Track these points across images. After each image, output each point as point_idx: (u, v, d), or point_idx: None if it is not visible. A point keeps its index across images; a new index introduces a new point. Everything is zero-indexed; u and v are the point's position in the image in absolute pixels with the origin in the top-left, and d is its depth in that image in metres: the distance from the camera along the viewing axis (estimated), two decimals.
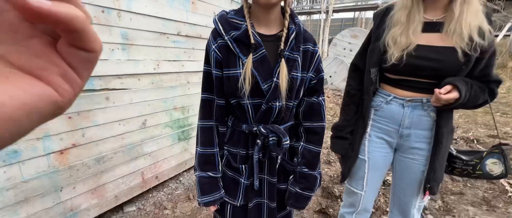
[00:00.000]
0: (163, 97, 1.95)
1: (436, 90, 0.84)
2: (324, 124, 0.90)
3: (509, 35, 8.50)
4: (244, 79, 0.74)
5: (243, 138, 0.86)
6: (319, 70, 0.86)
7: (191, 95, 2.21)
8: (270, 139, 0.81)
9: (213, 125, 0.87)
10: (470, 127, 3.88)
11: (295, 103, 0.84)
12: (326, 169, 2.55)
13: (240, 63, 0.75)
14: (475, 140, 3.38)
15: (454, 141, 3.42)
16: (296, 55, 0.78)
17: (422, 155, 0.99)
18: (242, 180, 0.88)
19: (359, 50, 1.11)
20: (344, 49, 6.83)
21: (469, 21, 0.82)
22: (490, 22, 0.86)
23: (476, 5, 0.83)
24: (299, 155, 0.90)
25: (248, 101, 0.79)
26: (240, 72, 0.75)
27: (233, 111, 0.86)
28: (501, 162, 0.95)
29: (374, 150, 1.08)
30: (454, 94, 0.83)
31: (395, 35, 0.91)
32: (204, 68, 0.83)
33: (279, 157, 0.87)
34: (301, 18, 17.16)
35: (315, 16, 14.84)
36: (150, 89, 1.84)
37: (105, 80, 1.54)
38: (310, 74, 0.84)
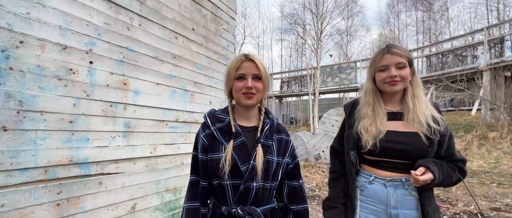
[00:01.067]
0: (156, 179, 2.00)
1: (412, 172, 0.95)
2: (308, 205, 1.04)
3: (480, 109, 9.30)
4: (225, 160, 0.88)
5: None
6: (294, 156, 1.03)
7: (184, 176, 2.26)
8: None
9: (198, 206, 0.95)
10: (470, 200, 3.78)
11: (274, 185, 0.95)
12: None
13: (223, 148, 0.91)
14: (479, 215, 3.25)
15: (458, 216, 3.27)
16: (270, 142, 0.96)
17: None
18: None
19: (336, 135, 1.27)
20: (332, 126, 7.27)
21: (423, 111, 1.02)
22: (439, 112, 1.06)
23: (424, 99, 1.06)
24: None
25: (228, 182, 0.90)
26: (222, 155, 0.90)
27: (215, 192, 0.95)
28: None
29: None
30: (429, 176, 0.94)
31: (365, 125, 1.07)
32: (193, 153, 0.99)
33: None
34: (292, 99, 18.75)
35: (305, 97, 16.25)
36: (144, 172, 1.91)
37: (101, 165, 1.64)
38: (287, 159, 1.00)
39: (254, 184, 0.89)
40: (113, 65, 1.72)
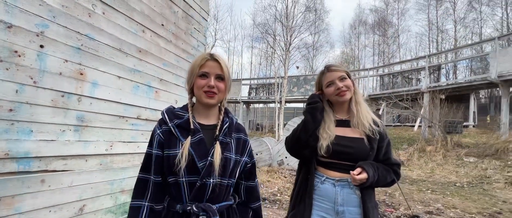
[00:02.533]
0: (110, 179, 1.85)
1: (351, 172, 1.11)
2: (261, 202, 1.11)
3: (421, 126, 10.63)
4: (181, 155, 0.86)
5: None
6: (252, 156, 1.06)
7: None
8: (200, 217, 0.86)
9: (142, 205, 0.91)
10: (410, 204, 4.24)
11: (231, 182, 0.96)
12: None
13: (180, 144, 0.90)
14: (415, 217, 3.66)
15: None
16: (228, 140, 0.97)
17: None
18: None
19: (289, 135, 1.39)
20: None
21: (365, 115, 1.20)
22: (379, 117, 1.24)
23: (365, 104, 1.24)
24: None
25: (184, 179, 0.88)
26: (179, 151, 0.88)
27: (170, 190, 0.93)
28: None
29: None
30: (364, 175, 1.10)
31: (320, 131, 1.22)
32: (147, 150, 0.95)
33: None
34: (259, 106, 19.04)
35: (272, 105, 16.66)
36: (97, 171, 1.76)
37: (45, 161, 1.47)
38: (245, 158, 1.02)
39: (211, 180, 0.89)
40: (68, 52, 1.57)
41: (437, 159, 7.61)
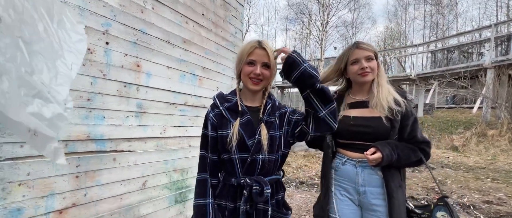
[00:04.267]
0: (165, 159, 2.09)
1: (365, 153, 1.09)
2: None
3: (481, 107, 9.34)
4: (233, 135, 0.97)
5: (232, 191, 1.02)
6: (294, 112, 1.09)
7: (191, 157, 2.35)
8: (254, 188, 0.96)
9: (207, 177, 1.04)
10: (464, 193, 3.90)
11: (278, 156, 1.04)
12: None
13: (230, 126, 1.00)
14: (471, 206, 3.37)
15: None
16: (272, 119, 1.05)
17: (381, 212, 1.14)
18: None
19: None
20: None
21: (385, 96, 1.16)
22: (405, 98, 1.19)
23: (387, 86, 1.20)
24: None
25: (236, 156, 0.99)
26: (230, 132, 0.99)
27: (225, 166, 1.04)
28: (448, 214, 1.07)
29: (342, 208, 1.21)
30: (378, 155, 1.07)
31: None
32: (203, 131, 1.08)
33: (269, 209, 1.00)
34: (294, 90, 18.76)
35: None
36: (154, 152, 2.00)
37: (115, 142, 1.73)
38: (289, 120, 1.07)
39: (260, 156, 0.99)
40: (127, 46, 1.76)
41: (501, 144, 6.72)
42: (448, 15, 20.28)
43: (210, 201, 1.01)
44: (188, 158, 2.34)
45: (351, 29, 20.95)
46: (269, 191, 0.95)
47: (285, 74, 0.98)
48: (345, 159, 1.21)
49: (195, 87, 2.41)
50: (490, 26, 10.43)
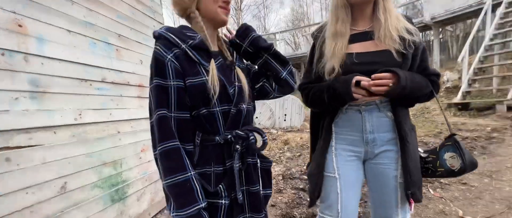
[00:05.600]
0: (88, 152, 1.63)
1: (373, 76, 0.86)
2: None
3: None
4: (213, 82, 0.76)
5: (217, 151, 0.81)
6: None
7: (124, 146, 1.93)
8: (251, 138, 0.82)
9: (178, 144, 0.75)
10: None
11: (252, 107, 0.92)
12: (279, 198, 2.57)
13: (203, 70, 0.76)
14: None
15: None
16: (243, 65, 0.93)
17: (392, 158, 0.95)
18: (222, 202, 0.80)
19: (305, 70, 1.12)
20: None
21: (395, 24, 0.90)
22: (412, 24, 0.95)
23: (395, 11, 0.94)
24: None
25: (217, 108, 0.79)
26: (206, 79, 0.76)
27: (200, 124, 0.81)
28: (458, 155, 0.89)
29: (344, 165, 0.98)
30: (390, 74, 0.85)
31: (336, 48, 0.94)
32: (156, 83, 0.74)
33: (258, 160, 0.88)
34: None
35: None
36: (71, 144, 1.51)
37: (4, 136, 1.19)
38: (250, 68, 0.99)
39: (244, 106, 0.84)
40: None
41: None
42: None
43: (192, 173, 0.73)
44: (119, 148, 1.91)
45: (263, 9, 21.93)
46: (266, 138, 0.84)
47: (241, 36, 0.91)
48: (346, 106, 0.98)
49: (113, 60, 1.93)
50: None
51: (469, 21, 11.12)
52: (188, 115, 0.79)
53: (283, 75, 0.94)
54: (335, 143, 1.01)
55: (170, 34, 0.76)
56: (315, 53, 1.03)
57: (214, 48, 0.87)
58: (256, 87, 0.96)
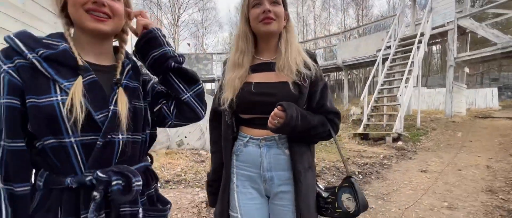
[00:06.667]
0: None
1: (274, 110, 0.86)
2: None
3: None
4: (71, 107, 0.58)
5: (67, 199, 0.61)
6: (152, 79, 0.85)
7: None
8: (114, 183, 0.61)
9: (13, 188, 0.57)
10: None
11: (145, 137, 0.75)
12: None
13: (57, 88, 0.60)
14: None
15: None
16: (136, 84, 0.73)
17: (288, 199, 0.93)
18: None
19: (215, 94, 1.09)
20: None
21: (294, 57, 0.92)
22: (314, 60, 0.98)
23: (297, 45, 0.97)
24: None
25: (74, 139, 0.60)
26: (57, 100, 0.59)
27: (48, 159, 0.61)
28: (353, 197, 0.89)
29: (245, 203, 0.95)
30: (281, 113, 0.85)
31: (232, 77, 0.95)
32: None
33: (140, 210, 0.68)
34: None
35: None
36: None
37: None
38: (154, 87, 0.81)
39: (120, 137, 0.65)
40: None
41: None
42: None
43: None
44: None
45: (202, 29, 21.99)
46: (140, 183, 0.63)
47: (140, 50, 0.74)
48: (247, 139, 0.96)
49: None
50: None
51: (369, 67, 13.95)
52: (23, 145, 0.59)
53: (185, 96, 0.77)
54: (237, 179, 0.97)
55: (17, 40, 0.59)
56: (222, 81, 1.02)
57: (104, 62, 0.70)
58: (154, 110, 0.79)
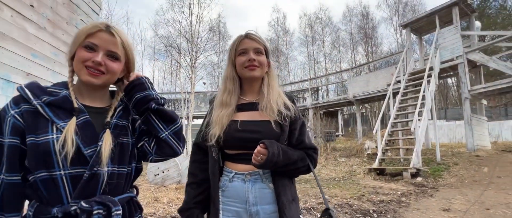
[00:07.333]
0: None
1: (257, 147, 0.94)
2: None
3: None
4: (63, 143, 0.67)
5: None
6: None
7: None
8: (95, 213, 0.67)
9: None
10: (306, 199, 4.94)
11: (131, 169, 0.82)
12: None
13: (54, 128, 0.70)
14: (311, 209, 4.27)
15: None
16: (125, 122, 0.82)
17: None
18: None
19: (199, 129, 1.16)
20: None
21: (275, 99, 1.03)
22: (293, 101, 1.09)
23: (278, 88, 1.09)
24: None
25: (63, 172, 0.68)
26: (52, 138, 0.68)
27: (38, 190, 0.70)
28: None
29: None
30: (264, 150, 0.92)
31: (219, 115, 1.03)
32: None
33: None
34: None
35: None
36: None
37: None
38: (141, 124, 0.88)
39: (105, 169, 0.72)
40: None
41: (321, 161, 9.31)
42: (284, 70, 27.66)
43: None
44: None
45: (217, 69, 23.28)
46: (119, 212, 0.70)
47: (127, 93, 0.85)
48: (233, 174, 1.01)
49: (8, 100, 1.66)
50: (307, 80, 15.11)
51: (381, 101, 13.84)
52: (19, 179, 0.70)
53: (163, 135, 0.83)
54: (223, 215, 1.01)
55: (26, 90, 0.72)
56: (208, 117, 1.11)
57: (98, 104, 0.82)
58: (138, 146, 0.87)
